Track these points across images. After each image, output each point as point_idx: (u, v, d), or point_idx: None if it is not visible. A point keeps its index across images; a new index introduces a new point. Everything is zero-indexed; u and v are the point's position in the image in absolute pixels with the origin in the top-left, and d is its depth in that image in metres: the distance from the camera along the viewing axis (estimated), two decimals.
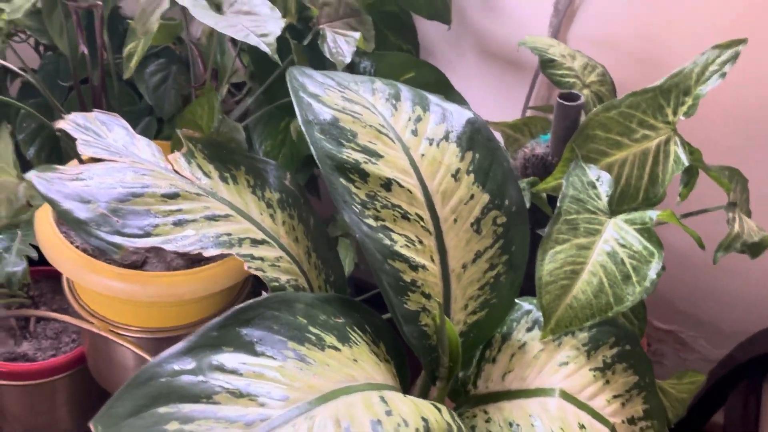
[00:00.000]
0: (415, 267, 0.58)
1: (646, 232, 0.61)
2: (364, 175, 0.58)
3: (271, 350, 0.47)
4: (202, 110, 0.70)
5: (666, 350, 1.22)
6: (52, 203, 0.52)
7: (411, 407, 0.47)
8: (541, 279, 0.60)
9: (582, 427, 0.56)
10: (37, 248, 0.94)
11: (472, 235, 0.61)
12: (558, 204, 0.64)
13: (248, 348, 0.46)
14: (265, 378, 0.45)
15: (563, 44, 0.87)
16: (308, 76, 0.66)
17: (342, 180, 0.57)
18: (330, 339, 0.50)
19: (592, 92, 0.82)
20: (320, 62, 0.90)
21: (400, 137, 0.62)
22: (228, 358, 0.45)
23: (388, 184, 0.59)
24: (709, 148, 0.74)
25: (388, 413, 0.46)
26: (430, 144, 0.63)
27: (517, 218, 0.62)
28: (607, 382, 0.60)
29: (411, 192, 0.60)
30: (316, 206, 0.75)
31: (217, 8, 0.72)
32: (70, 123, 0.59)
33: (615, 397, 0.59)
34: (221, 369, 0.45)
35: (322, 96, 0.63)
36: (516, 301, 0.64)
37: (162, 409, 0.42)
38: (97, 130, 0.60)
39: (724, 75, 0.66)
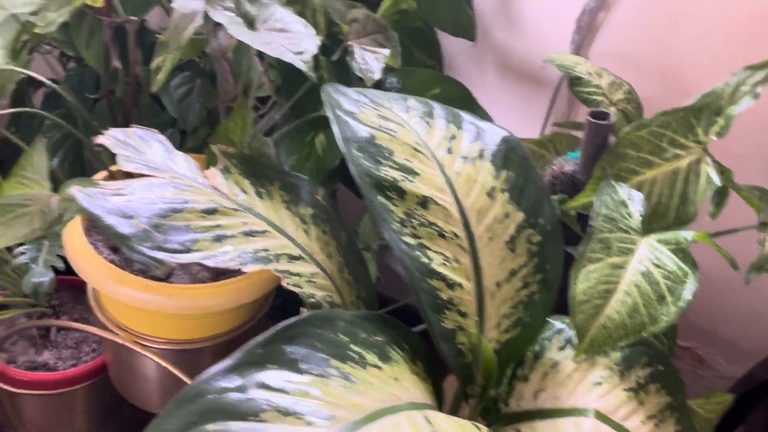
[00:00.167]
0: (451, 285, 0.58)
1: (681, 252, 0.61)
2: (402, 193, 0.59)
3: (315, 368, 0.47)
4: (236, 125, 0.71)
5: (683, 367, 1.22)
6: (96, 218, 0.53)
7: (455, 427, 0.47)
8: (575, 298, 0.61)
9: None
10: (62, 258, 0.94)
11: (507, 254, 0.61)
12: (590, 222, 0.64)
13: (292, 366, 0.46)
14: (311, 396, 0.45)
15: (589, 62, 0.87)
16: (342, 93, 0.66)
17: (380, 198, 0.57)
18: (371, 357, 0.50)
19: (619, 110, 0.82)
20: (347, 77, 0.90)
21: (434, 155, 0.63)
22: (273, 375, 0.45)
23: (424, 202, 0.59)
24: (738, 168, 0.74)
25: None
26: (465, 162, 0.63)
27: (551, 237, 0.62)
28: (641, 402, 0.60)
29: (447, 210, 0.60)
30: None
31: (250, 25, 0.73)
32: (110, 138, 0.59)
33: (649, 417, 0.59)
34: (267, 387, 0.45)
35: (357, 113, 0.63)
36: (547, 319, 0.65)
37: (210, 427, 0.42)
38: (136, 145, 0.61)
39: (756, 96, 0.67)
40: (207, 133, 1.07)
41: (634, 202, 0.67)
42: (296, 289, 0.58)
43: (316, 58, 0.69)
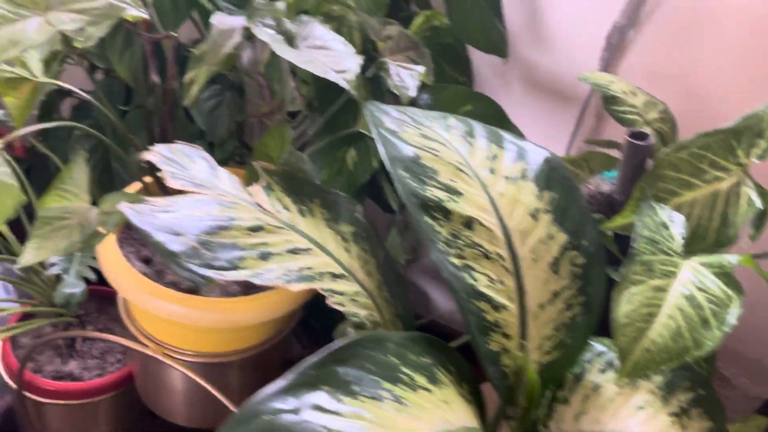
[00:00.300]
0: (497, 307, 0.58)
1: (725, 276, 0.61)
2: (447, 213, 0.58)
3: (367, 390, 0.47)
4: (275, 142, 0.71)
5: None
6: (145, 235, 0.53)
7: None
8: (618, 320, 0.60)
9: None
10: (93, 269, 0.95)
11: (550, 276, 0.61)
12: (632, 244, 0.64)
13: (345, 387, 0.46)
14: (364, 419, 0.45)
15: (623, 80, 0.87)
16: (384, 111, 0.66)
17: (426, 218, 0.57)
18: (421, 379, 0.50)
19: (654, 130, 0.82)
20: (379, 93, 0.91)
21: (477, 175, 0.63)
22: (326, 397, 0.45)
23: (469, 223, 0.59)
24: None
25: None
26: (508, 182, 0.63)
27: (594, 259, 0.62)
28: (684, 427, 0.59)
29: (491, 231, 0.60)
30: None
31: (290, 42, 0.73)
32: (156, 155, 0.60)
33: None
34: (321, 409, 0.45)
35: (400, 132, 0.63)
36: (588, 341, 0.64)
37: None
38: (181, 162, 0.61)
39: None
40: (235, 146, 1.08)
41: (675, 224, 0.67)
42: (340, 308, 0.58)
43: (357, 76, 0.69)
